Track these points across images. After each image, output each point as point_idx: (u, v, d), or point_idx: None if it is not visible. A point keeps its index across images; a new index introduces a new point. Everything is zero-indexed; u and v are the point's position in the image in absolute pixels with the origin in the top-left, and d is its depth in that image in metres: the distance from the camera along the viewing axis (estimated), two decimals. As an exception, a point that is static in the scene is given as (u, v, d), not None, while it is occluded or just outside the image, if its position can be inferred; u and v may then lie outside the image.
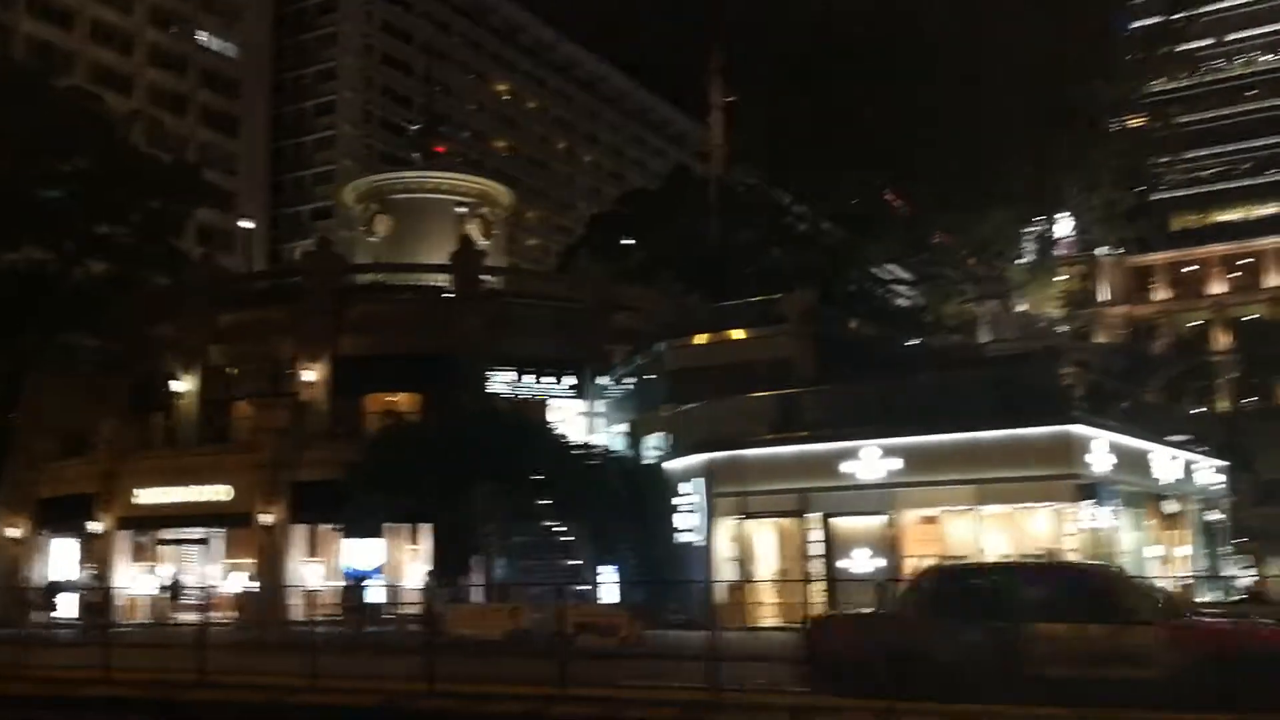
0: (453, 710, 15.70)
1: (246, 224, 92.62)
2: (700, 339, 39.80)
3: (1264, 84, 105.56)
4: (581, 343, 42.81)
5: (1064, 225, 71.81)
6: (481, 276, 45.67)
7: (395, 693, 16.82)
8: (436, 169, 55.33)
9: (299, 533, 38.90)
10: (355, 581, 35.11)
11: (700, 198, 53.71)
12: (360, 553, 36.27)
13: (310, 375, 42.33)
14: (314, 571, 38.37)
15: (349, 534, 36.48)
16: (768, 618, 30.32)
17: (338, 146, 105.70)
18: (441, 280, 45.12)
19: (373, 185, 55.79)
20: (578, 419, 42.71)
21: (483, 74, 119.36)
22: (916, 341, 47.78)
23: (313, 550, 39.42)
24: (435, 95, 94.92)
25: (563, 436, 38.83)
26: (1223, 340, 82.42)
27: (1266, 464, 68.08)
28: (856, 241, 54.05)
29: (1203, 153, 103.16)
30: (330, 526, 37.93)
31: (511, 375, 42.44)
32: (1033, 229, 52.59)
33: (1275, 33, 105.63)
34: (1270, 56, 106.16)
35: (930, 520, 30.24)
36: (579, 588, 32.02)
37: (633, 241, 55.56)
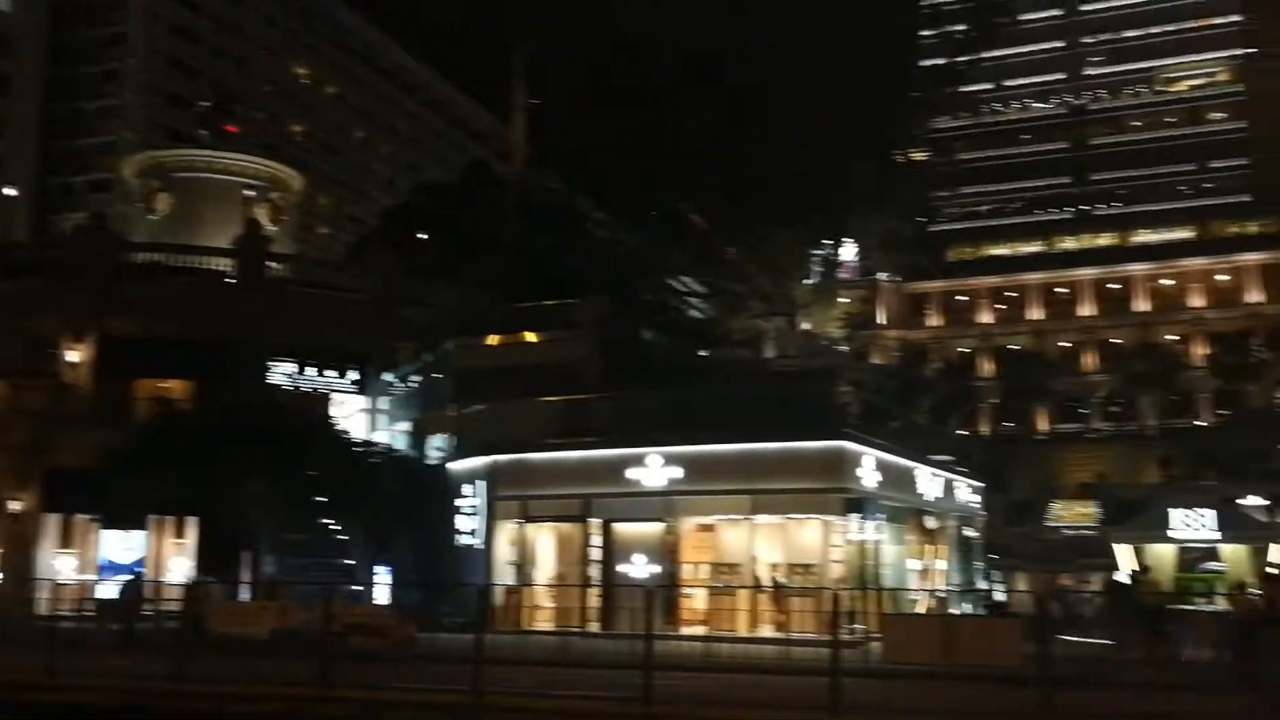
0: (205, 711, 15.04)
1: (9, 191, 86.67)
2: (491, 340, 39.52)
3: (1036, 129, 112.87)
4: (368, 337, 41.83)
5: (849, 250, 74.87)
6: (267, 263, 44.08)
7: (144, 691, 15.99)
8: (226, 149, 53.22)
9: (52, 522, 36.60)
10: (113, 575, 33.28)
11: (499, 197, 53.41)
12: (119, 545, 34.41)
13: (74, 356, 39.89)
14: (67, 564, 36.16)
15: (108, 525, 34.56)
16: (544, 621, 30.38)
17: (119, 117, 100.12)
18: (224, 264, 43.31)
19: (155, 160, 53.13)
20: (360, 415, 41.72)
21: (279, 53, 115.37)
22: (705, 353, 48.78)
23: (66, 541, 37.13)
24: (226, 71, 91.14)
25: (343, 433, 37.85)
26: (987, 367, 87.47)
27: (1019, 486, 72.71)
28: (653, 252, 54.81)
29: (979, 190, 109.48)
30: (88, 516, 35.83)
31: (292, 367, 41.09)
32: (820, 252, 54.51)
33: (1048, 82, 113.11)
34: (1042, 105, 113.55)
35: (707, 528, 30.89)
36: (352, 588, 31.25)
37: (427, 236, 54.74)
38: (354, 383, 42.20)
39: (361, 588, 32.00)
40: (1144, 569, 35.27)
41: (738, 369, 44.54)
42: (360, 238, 73.99)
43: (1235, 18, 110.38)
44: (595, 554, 31.26)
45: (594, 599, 30.39)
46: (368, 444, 37.93)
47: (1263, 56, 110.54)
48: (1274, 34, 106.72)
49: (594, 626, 29.48)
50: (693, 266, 56.41)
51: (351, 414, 41.45)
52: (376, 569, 33.76)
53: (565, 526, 32.12)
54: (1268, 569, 27.49)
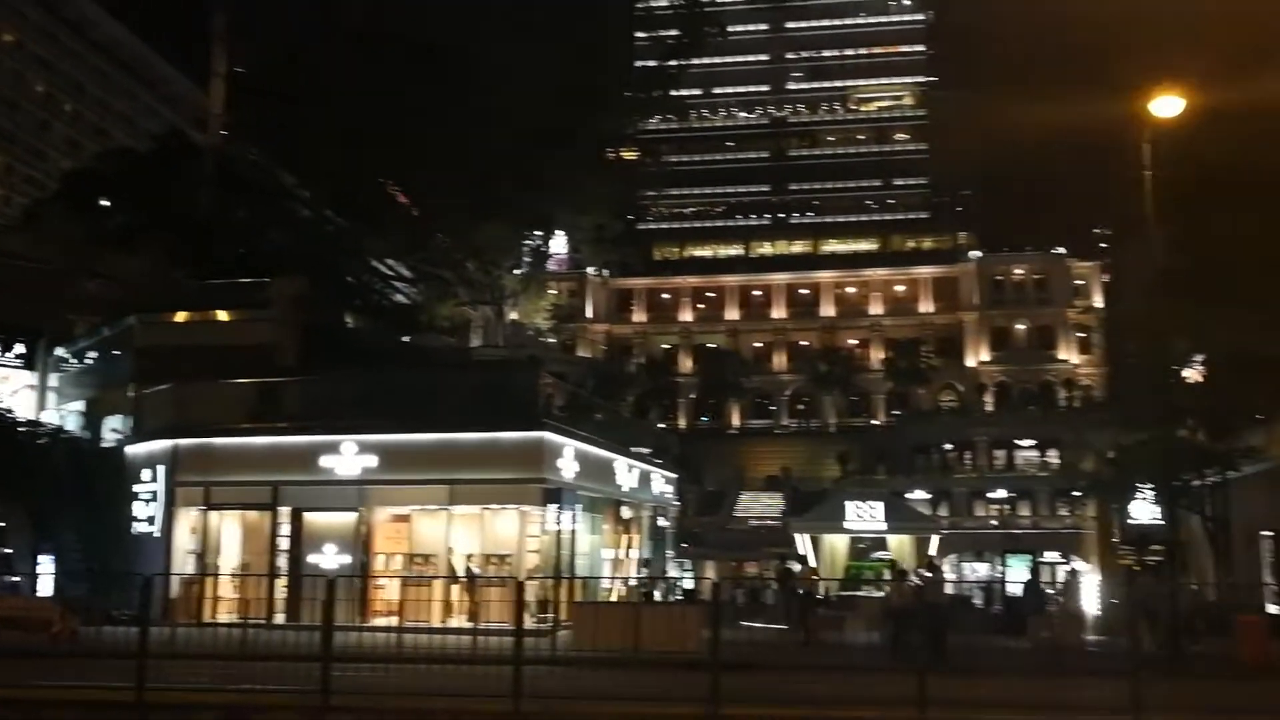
0: None
1: None
2: (179, 317, 37.38)
3: (740, 137, 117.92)
4: (39, 308, 38.63)
5: (559, 243, 75.54)
6: (-78, 222, 39.94)
7: None
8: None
9: None
10: None
11: (194, 167, 50.50)
12: None
13: None
14: None
15: None
16: (226, 613, 29.00)
17: None
18: None
19: None
20: (26, 392, 38.47)
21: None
22: (409, 340, 47.95)
23: None
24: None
25: (7, 411, 34.81)
26: (687, 363, 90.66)
27: (712, 477, 75.78)
28: (357, 233, 53.32)
29: (685, 192, 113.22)
30: None
31: (-52, 337, 37.44)
32: (529, 242, 54.63)
33: (752, 93, 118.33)
34: (747, 114, 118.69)
35: (402, 518, 30.41)
36: (8, 578, 28.76)
37: (112, 204, 51.05)
38: (19, 357, 38.87)
39: (18, 578, 29.47)
40: (802, 559, 37.49)
41: (442, 356, 44.02)
42: (37, 200, 68.23)
43: (921, 47, 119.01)
44: (284, 544, 30.16)
45: (281, 590, 29.31)
46: (34, 424, 35.04)
47: (942, 86, 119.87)
48: (952, 65, 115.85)
49: (280, 618, 28.44)
50: (400, 251, 55.27)
51: (17, 390, 38.18)
52: (40, 558, 31.20)
53: (252, 515, 30.82)
54: (897, 566, 29.75)
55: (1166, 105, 24.03)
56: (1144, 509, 38.92)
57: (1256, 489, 31.73)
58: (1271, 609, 29.53)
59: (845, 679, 16.35)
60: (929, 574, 26.63)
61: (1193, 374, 35.17)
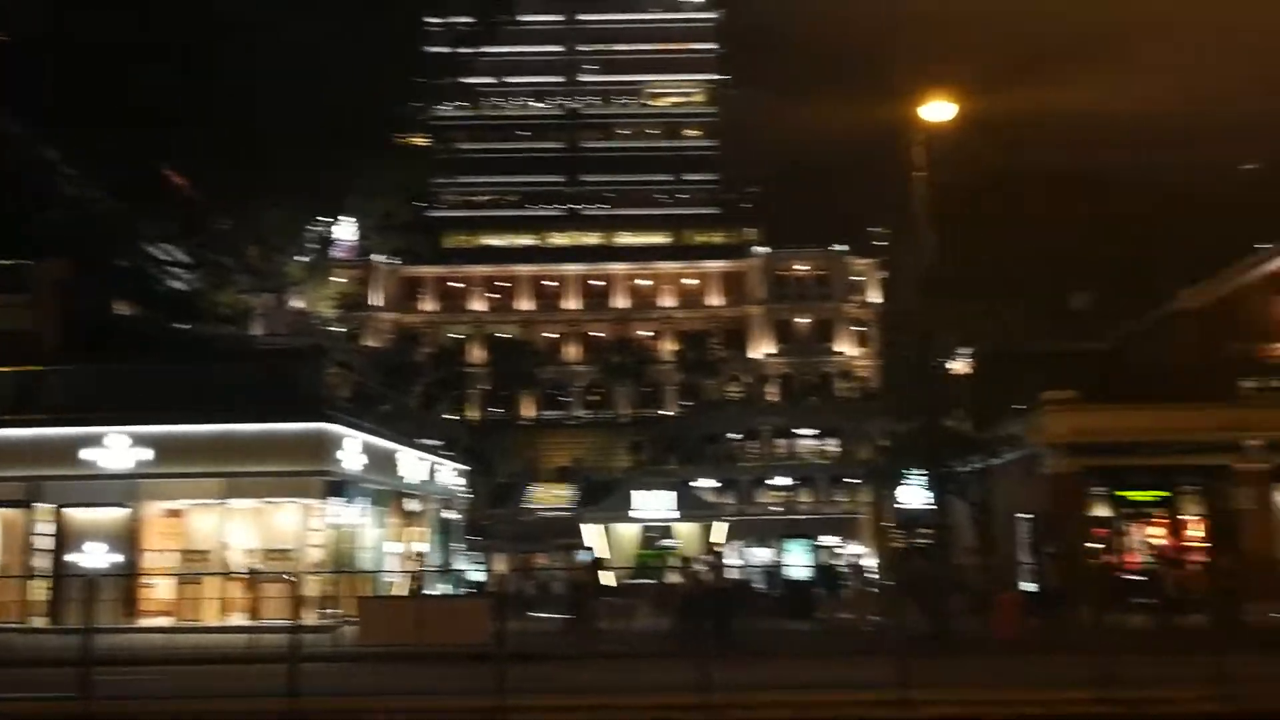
0: None
1: None
2: (-76, 300, 34.60)
3: (534, 127, 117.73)
4: None
5: (346, 229, 73.63)
6: None
7: None
8: None
9: None
10: None
11: (-56, 139, 46.78)
12: None
13: None
14: None
15: None
16: (-23, 618, 27.12)
17: None
18: None
19: None
20: None
21: None
22: (186, 328, 45.82)
23: None
24: None
25: None
26: (478, 354, 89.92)
27: (503, 469, 75.50)
28: (130, 215, 50.54)
29: (477, 180, 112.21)
30: None
31: None
32: (314, 228, 53.00)
33: (546, 84, 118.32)
34: (540, 104, 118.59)
35: (175, 514, 29.08)
36: None
37: None
38: None
39: None
40: (589, 550, 37.90)
41: (221, 345, 42.26)
42: None
43: (712, 45, 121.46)
44: (44, 542, 28.38)
45: (40, 591, 27.58)
46: None
47: (733, 85, 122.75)
48: (742, 65, 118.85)
49: (40, 621, 26.81)
50: (177, 235, 52.73)
51: None
52: None
53: (8, 512, 28.86)
54: (683, 554, 30.50)
55: (939, 110, 25.25)
56: (913, 494, 40.90)
57: (1015, 475, 33.78)
58: (1026, 587, 31.56)
59: (632, 667, 16.56)
60: (709, 559, 27.27)
61: (959, 366, 37.13)
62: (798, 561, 40.52)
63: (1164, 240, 49.22)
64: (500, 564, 52.11)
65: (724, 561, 26.90)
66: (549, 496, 74.41)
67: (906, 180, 28.00)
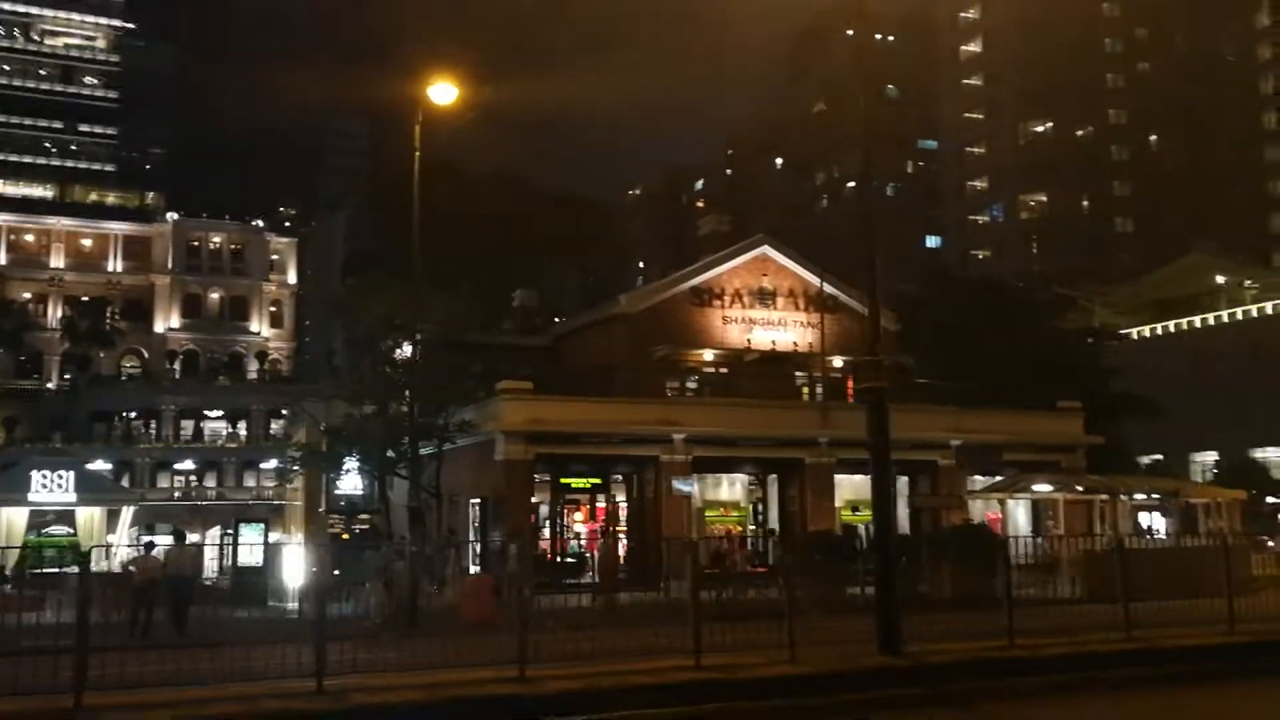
0: None
1: None
2: None
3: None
4: None
5: None
6: None
7: None
8: None
9: None
10: None
11: None
12: None
13: None
14: None
15: None
16: None
17: None
18: None
19: None
20: None
21: None
22: None
23: None
24: None
25: None
26: None
27: None
28: None
29: None
30: None
31: None
32: None
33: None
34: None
35: None
36: None
37: None
38: None
39: None
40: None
41: None
42: None
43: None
44: None
45: None
46: None
47: (141, 35, 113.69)
48: (157, 17, 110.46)
49: None
50: None
51: None
52: None
53: None
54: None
55: (442, 92, 25.01)
56: (353, 480, 40.29)
57: (467, 460, 34.51)
58: (473, 569, 32.35)
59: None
60: (172, 549, 25.14)
61: (406, 352, 37.16)
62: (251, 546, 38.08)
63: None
64: None
65: (155, 547, 24.62)
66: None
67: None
